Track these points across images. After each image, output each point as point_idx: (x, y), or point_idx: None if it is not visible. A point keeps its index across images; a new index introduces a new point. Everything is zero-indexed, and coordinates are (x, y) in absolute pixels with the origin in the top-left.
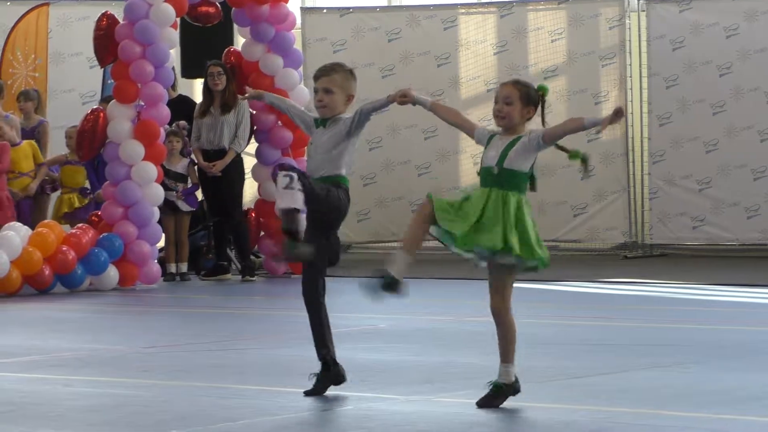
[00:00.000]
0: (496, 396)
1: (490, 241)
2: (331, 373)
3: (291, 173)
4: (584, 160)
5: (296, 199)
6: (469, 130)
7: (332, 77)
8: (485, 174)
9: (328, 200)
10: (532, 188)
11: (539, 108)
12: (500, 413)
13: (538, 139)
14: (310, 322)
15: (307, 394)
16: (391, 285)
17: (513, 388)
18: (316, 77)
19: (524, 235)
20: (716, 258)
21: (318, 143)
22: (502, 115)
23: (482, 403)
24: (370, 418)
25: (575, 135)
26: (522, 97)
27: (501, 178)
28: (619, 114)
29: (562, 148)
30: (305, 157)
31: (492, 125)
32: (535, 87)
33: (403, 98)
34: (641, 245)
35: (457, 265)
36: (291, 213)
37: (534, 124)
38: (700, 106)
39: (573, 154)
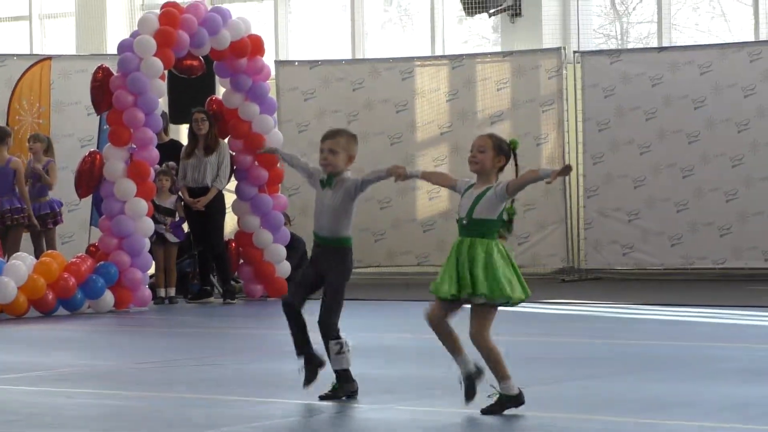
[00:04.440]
0: (498, 405)
1: (463, 289)
2: (315, 361)
3: (340, 340)
4: (510, 221)
5: (348, 360)
6: (453, 185)
7: (337, 140)
8: (459, 224)
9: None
10: (509, 230)
11: (511, 159)
12: (450, 420)
13: (503, 190)
14: (291, 323)
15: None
16: (478, 375)
17: (515, 400)
18: (323, 139)
19: (494, 275)
20: (644, 281)
21: (325, 203)
22: (475, 161)
23: (485, 411)
24: (338, 424)
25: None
26: (494, 147)
27: (470, 228)
28: (567, 170)
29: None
30: (280, 193)
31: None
32: (507, 141)
33: (398, 179)
34: (577, 270)
35: (416, 289)
36: (346, 372)
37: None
38: (629, 147)
39: (510, 211)
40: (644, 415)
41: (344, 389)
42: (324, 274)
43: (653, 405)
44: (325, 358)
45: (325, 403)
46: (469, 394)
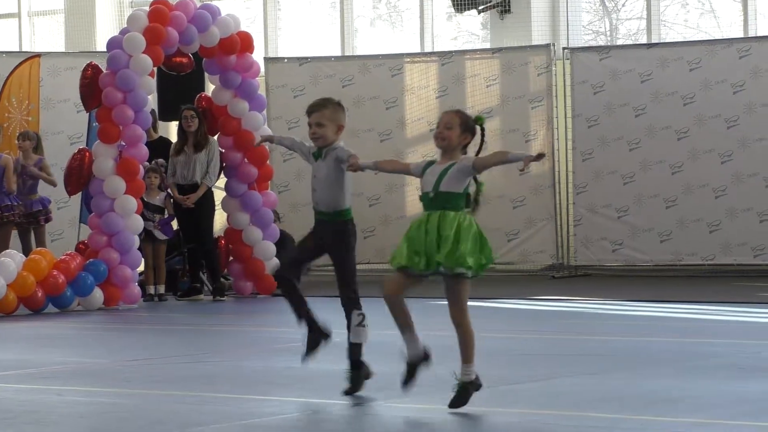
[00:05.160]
0: (463, 395)
1: (433, 264)
2: (316, 328)
3: (362, 312)
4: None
5: (366, 335)
6: (407, 170)
7: (322, 112)
8: (424, 199)
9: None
10: (469, 206)
11: (477, 136)
12: (442, 416)
13: (470, 166)
14: (288, 298)
15: (305, 357)
16: (425, 361)
17: (475, 385)
18: (309, 113)
19: (458, 246)
20: (633, 277)
21: (319, 176)
22: (442, 137)
23: (452, 404)
24: (328, 421)
25: (510, 168)
26: (461, 124)
27: (438, 200)
28: (540, 156)
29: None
30: (269, 191)
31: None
32: (473, 118)
33: (350, 168)
34: (567, 267)
35: None
36: (359, 349)
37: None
38: (618, 143)
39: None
40: (635, 412)
41: (362, 377)
42: (327, 251)
43: (644, 401)
44: (329, 328)
45: (316, 400)
46: (409, 380)
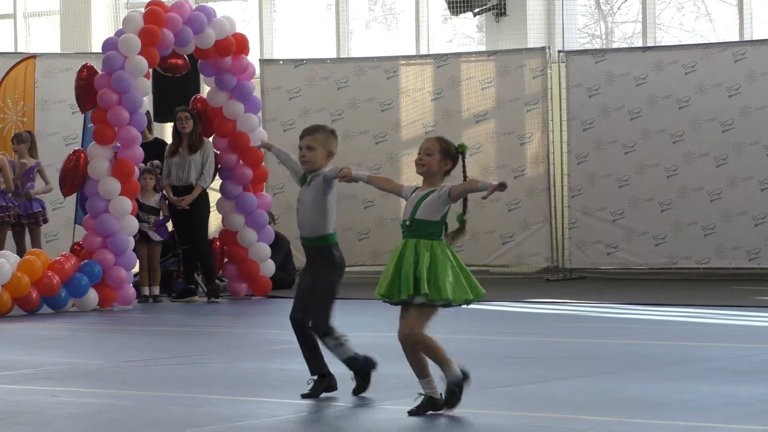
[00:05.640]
0: (454, 395)
1: (405, 293)
2: (325, 381)
3: (335, 334)
4: (461, 227)
5: (349, 348)
6: (399, 191)
7: (315, 136)
8: (402, 226)
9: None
10: (446, 233)
11: (458, 163)
12: (432, 418)
13: (446, 195)
14: (300, 341)
15: (304, 396)
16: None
17: (465, 378)
18: (302, 136)
19: (436, 276)
20: (628, 281)
21: (303, 200)
22: (422, 164)
23: (446, 404)
24: (319, 422)
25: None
26: (441, 151)
27: (413, 228)
28: (502, 186)
29: (464, 207)
30: (264, 192)
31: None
32: (456, 144)
33: (344, 179)
34: (562, 269)
35: None
36: (354, 359)
37: (454, 179)
38: (614, 146)
39: (459, 216)
40: (629, 415)
41: (365, 375)
42: (314, 272)
43: (638, 405)
44: (336, 382)
45: (307, 402)
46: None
